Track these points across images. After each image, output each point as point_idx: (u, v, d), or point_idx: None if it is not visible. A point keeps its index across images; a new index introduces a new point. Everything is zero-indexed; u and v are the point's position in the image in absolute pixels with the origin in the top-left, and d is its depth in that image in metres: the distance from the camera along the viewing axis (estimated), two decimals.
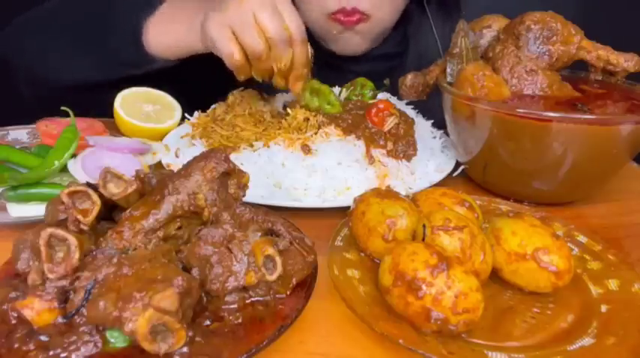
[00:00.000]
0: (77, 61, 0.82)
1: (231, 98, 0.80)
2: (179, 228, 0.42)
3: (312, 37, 0.92)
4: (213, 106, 0.80)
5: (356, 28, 0.86)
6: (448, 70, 0.68)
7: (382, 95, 0.82)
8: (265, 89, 0.80)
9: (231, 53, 0.64)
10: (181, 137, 0.76)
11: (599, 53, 0.66)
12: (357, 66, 0.96)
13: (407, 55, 1.00)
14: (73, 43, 0.82)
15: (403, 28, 0.99)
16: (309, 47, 0.68)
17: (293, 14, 0.65)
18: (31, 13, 0.87)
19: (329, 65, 0.97)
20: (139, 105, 0.81)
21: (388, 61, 0.99)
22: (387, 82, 0.84)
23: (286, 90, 0.85)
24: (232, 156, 0.65)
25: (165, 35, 0.76)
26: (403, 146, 0.70)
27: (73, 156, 0.62)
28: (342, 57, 0.95)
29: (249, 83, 0.76)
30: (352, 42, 0.90)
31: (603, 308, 0.42)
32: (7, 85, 0.98)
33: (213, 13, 0.65)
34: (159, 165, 0.69)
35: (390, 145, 0.69)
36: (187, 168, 0.44)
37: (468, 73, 0.63)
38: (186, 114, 0.83)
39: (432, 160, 0.72)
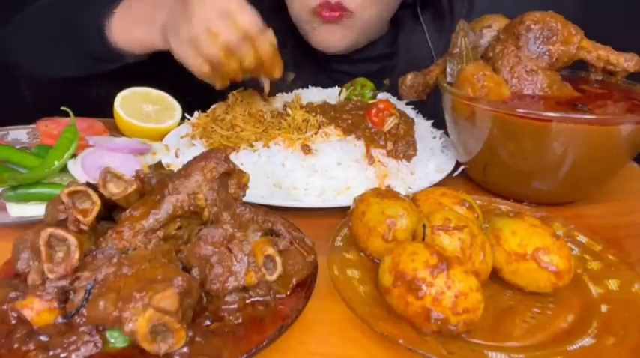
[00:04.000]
0: (56, 58, 0.84)
1: (231, 98, 0.80)
2: (179, 228, 0.42)
3: (299, 36, 0.91)
4: (213, 106, 0.80)
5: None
6: (448, 70, 0.68)
7: (382, 95, 0.82)
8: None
9: (199, 68, 0.66)
10: (181, 137, 0.76)
11: (599, 53, 0.66)
12: (347, 67, 0.96)
13: (397, 57, 0.99)
14: (51, 41, 0.84)
15: (394, 31, 0.99)
16: (269, 33, 0.68)
17: (243, 10, 0.64)
18: (24, 12, 0.88)
19: (319, 66, 0.97)
20: (139, 105, 0.82)
21: (379, 61, 0.99)
22: (386, 82, 0.84)
23: (287, 92, 0.85)
24: (232, 156, 0.65)
25: (128, 33, 0.77)
26: (403, 146, 0.70)
27: (73, 156, 0.62)
28: (332, 58, 0.93)
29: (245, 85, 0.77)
30: (334, 36, 0.87)
31: (603, 308, 0.42)
32: (7, 85, 0.98)
33: (173, 28, 0.67)
34: (159, 165, 0.69)
35: (390, 145, 0.69)
36: (187, 168, 0.44)
37: (468, 73, 0.63)
38: (186, 115, 0.83)
39: (432, 160, 0.72)
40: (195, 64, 0.66)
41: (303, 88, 0.88)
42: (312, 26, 0.87)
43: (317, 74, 0.97)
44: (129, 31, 0.76)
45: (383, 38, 0.98)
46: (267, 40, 0.67)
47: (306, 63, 0.97)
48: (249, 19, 0.64)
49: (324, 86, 0.88)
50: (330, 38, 0.87)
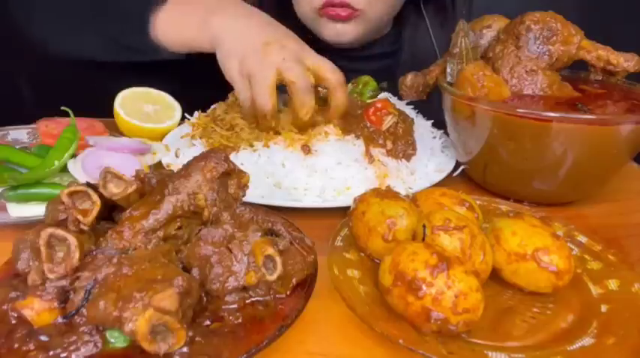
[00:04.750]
0: (85, 38, 0.82)
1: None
2: (179, 228, 0.42)
3: (307, 29, 0.92)
4: (213, 106, 0.80)
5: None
6: (448, 70, 0.68)
7: (382, 95, 0.82)
8: None
9: (247, 100, 0.67)
10: (181, 137, 0.76)
11: (599, 53, 0.66)
12: (350, 63, 0.96)
13: (401, 54, 1.00)
14: (82, 19, 0.82)
15: (398, 27, 0.99)
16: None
17: (320, 61, 0.65)
18: None
19: None
20: (139, 105, 0.81)
21: (382, 59, 0.99)
22: (384, 85, 0.84)
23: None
24: (232, 156, 0.65)
25: (174, 30, 0.75)
26: (402, 145, 0.70)
27: (73, 156, 0.62)
28: (336, 53, 0.94)
29: None
30: (343, 30, 0.87)
31: (603, 308, 0.42)
32: (7, 85, 0.98)
33: (237, 47, 0.66)
34: (159, 165, 0.69)
35: (389, 144, 0.68)
36: (187, 168, 0.44)
37: (468, 73, 0.63)
38: (186, 114, 0.83)
39: (432, 160, 0.72)
40: (246, 96, 0.66)
41: None
42: (320, 24, 0.87)
43: None
44: (175, 27, 0.74)
45: (387, 36, 0.98)
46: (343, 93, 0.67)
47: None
48: (330, 68, 0.65)
49: None
50: (339, 32, 0.87)
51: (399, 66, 0.98)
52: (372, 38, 0.95)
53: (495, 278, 0.45)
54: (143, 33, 0.74)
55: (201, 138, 0.73)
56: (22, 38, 0.86)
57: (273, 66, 0.63)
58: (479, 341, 0.38)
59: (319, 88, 0.71)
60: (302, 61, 0.64)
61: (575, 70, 0.70)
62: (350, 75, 0.84)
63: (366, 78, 0.80)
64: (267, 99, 0.64)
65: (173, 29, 0.75)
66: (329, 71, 0.66)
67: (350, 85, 0.81)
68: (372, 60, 0.98)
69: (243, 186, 0.47)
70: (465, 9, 0.96)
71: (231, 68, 0.67)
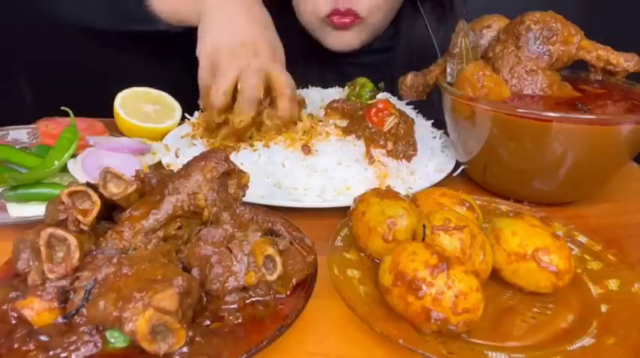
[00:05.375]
0: (87, 4, 0.84)
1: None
2: (179, 228, 0.42)
3: (306, 33, 0.92)
4: None
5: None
6: (448, 70, 0.68)
7: (382, 95, 0.82)
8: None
9: (204, 87, 0.69)
10: (181, 137, 0.76)
11: (599, 53, 0.66)
12: (346, 58, 0.97)
13: (398, 49, 1.00)
14: None
15: (396, 23, 1.00)
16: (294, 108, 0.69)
17: (281, 74, 0.67)
18: None
19: (319, 58, 0.98)
20: (139, 105, 0.82)
21: (379, 54, 1.00)
22: (381, 85, 0.84)
23: None
24: (232, 156, 0.65)
25: (172, 9, 0.77)
26: (403, 146, 0.70)
27: (73, 156, 0.62)
28: (337, 55, 0.95)
29: None
30: (346, 37, 0.89)
31: (603, 308, 0.42)
32: (7, 85, 0.98)
33: (215, 39, 0.69)
34: (159, 165, 0.69)
35: (390, 145, 0.68)
36: (187, 168, 0.44)
37: (467, 73, 0.63)
38: (186, 115, 0.83)
39: (432, 160, 0.72)
40: (204, 82, 0.68)
41: (309, 84, 0.90)
42: (324, 32, 0.89)
43: (324, 70, 0.98)
44: (173, 7, 0.77)
45: (384, 31, 0.99)
46: (291, 106, 0.68)
47: (314, 61, 0.98)
48: (285, 79, 0.67)
49: (330, 81, 0.89)
50: (342, 40, 0.89)
51: (396, 60, 0.99)
52: (372, 39, 0.96)
53: (495, 278, 0.45)
54: (140, 3, 0.77)
55: (201, 138, 0.73)
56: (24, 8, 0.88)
57: (237, 69, 0.65)
58: (479, 341, 0.38)
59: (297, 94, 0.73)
60: (265, 70, 0.66)
61: (575, 70, 0.70)
62: (347, 68, 0.85)
63: (362, 80, 0.80)
64: (219, 97, 0.66)
65: (169, 7, 0.77)
66: (283, 83, 0.67)
67: (346, 87, 0.81)
68: (371, 54, 0.99)
69: (243, 186, 0.47)
70: (464, 7, 0.97)
71: (203, 50, 0.69)
